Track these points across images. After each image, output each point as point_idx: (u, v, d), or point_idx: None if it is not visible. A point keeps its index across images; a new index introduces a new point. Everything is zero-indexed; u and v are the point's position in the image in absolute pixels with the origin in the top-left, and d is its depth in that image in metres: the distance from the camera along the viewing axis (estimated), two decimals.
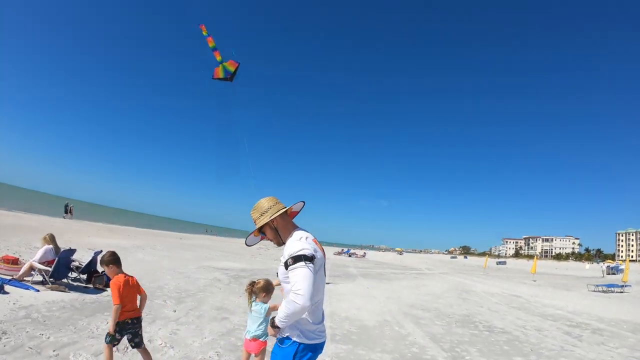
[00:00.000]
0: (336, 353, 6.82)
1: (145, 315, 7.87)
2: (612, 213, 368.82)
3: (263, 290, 4.82)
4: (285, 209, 3.31)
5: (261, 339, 4.65)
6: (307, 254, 2.97)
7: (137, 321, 4.66)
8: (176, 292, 11.08)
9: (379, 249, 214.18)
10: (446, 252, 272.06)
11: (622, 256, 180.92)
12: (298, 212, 3.48)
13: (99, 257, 9.23)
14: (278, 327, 3.01)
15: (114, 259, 4.74)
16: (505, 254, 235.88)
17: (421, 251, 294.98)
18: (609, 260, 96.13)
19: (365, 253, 79.34)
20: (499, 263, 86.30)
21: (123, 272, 4.77)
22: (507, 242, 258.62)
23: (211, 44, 9.73)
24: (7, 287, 8.04)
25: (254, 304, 4.80)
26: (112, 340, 4.41)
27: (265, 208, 3.31)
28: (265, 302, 4.81)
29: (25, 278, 8.93)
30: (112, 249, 4.86)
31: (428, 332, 9.78)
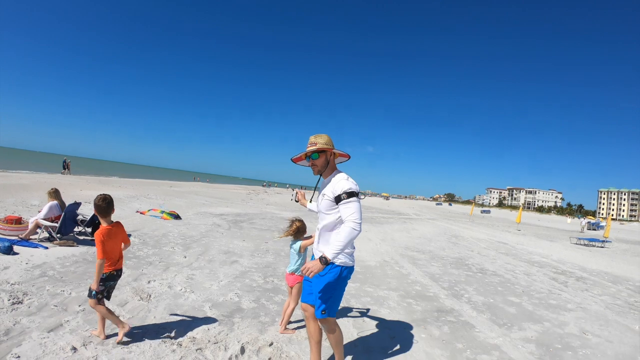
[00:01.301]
0: (346, 290, 7.27)
1: (157, 262, 8.38)
2: (596, 172, 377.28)
3: (300, 230, 5.31)
4: (340, 153, 3.95)
5: (297, 273, 5.21)
6: (357, 190, 3.69)
7: (120, 274, 4.60)
8: (181, 239, 11.33)
9: (365, 194, 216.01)
10: (431, 199, 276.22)
11: (602, 213, 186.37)
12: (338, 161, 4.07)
13: None
14: (327, 262, 3.48)
15: (99, 209, 4.44)
16: (489, 203, 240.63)
17: (407, 197, 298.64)
18: (589, 217, 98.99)
19: None
20: (483, 211, 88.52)
21: (110, 222, 4.49)
22: (491, 191, 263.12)
23: None
24: (15, 248, 7.90)
25: (291, 241, 5.34)
26: (96, 295, 4.37)
27: (331, 142, 3.88)
28: (299, 240, 5.34)
29: (31, 237, 8.85)
30: (103, 194, 4.56)
31: (426, 272, 10.55)
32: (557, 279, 11.42)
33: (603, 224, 53.84)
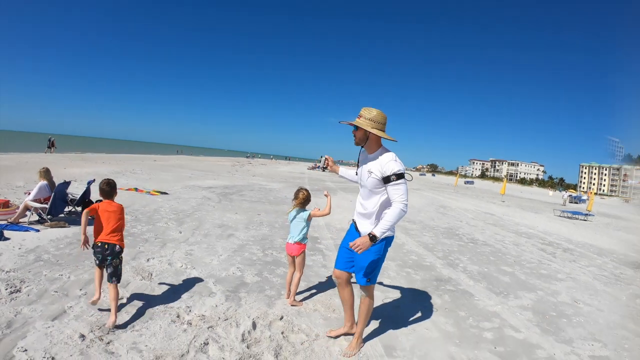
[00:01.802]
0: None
1: (153, 239, 8.26)
2: (578, 146, 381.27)
3: (307, 199, 5.48)
4: (379, 135, 3.95)
5: (303, 242, 5.38)
6: (404, 172, 3.87)
7: (107, 247, 4.57)
8: (173, 214, 11.23)
9: (348, 164, 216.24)
10: (414, 169, 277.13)
11: (583, 187, 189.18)
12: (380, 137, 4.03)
13: (92, 187, 9.73)
14: (375, 240, 3.74)
15: (104, 192, 4.78)
16: (472, 174, 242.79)
17: None
18: (571, 190, 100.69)
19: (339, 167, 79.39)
20: (467, 182, 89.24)
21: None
22: (474, 163, 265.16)
23: None
24: (6, 233, 7.46)
25: (295, 211, 5.46)
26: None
27: (377, 119, 3.96)
28: (306, 210, 5.46)
29: (20, 220, 8.41)
30: (107, 178, 4.89)
31: (420, 241, 10.85)
32: (546, 250, 11.81)
33: (585, 197, 54.92)
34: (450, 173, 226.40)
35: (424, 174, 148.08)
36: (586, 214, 26.09)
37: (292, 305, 5.39)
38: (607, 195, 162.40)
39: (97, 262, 4.61)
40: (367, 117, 3.95)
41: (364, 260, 3.97)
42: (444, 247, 10.43)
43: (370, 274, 4.05)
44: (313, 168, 63.99)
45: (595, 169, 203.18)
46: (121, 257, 4.72)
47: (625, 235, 19.25)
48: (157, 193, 15.02)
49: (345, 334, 4.59)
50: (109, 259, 4.55)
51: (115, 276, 4.57)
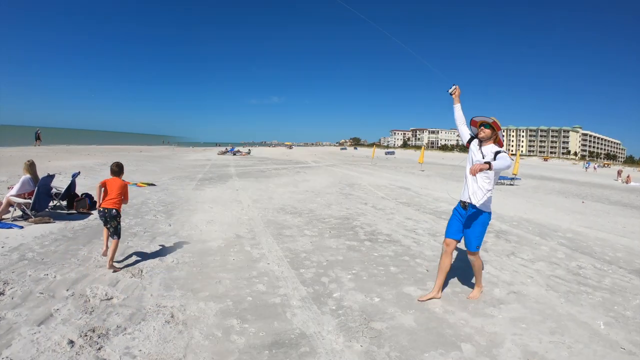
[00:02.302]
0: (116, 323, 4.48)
1: (142, 233, 8.04)
2: (502, 110, 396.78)
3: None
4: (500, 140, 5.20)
5: None
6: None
7: (106, 211, 5.85)
8: (162, 206, 11.05)
9: (270, 145, 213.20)
10: (337, 144, 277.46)
11: (512, 150, 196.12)
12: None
13: (77, 180, 10.21)
14: (490, 166, 4.50)
15: (112, 172, 6.18)
16: (394, 144, 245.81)
17: (313, 144, 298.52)
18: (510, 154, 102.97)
19: (250, 150, 76.69)
20: (387, 153, 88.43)
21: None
22: (395, 133, 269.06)
23: None
24: None
25: None
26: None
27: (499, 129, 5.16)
28: None
29: (3, 216, 8.32)
30: (117, 161, 6.29)
31: (290, 249, 7.42)
32: None
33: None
34: (373, 145, 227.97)
35: (345, 148, 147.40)
36: (512, 178, 24.14)
37: None
38: (526, 155, 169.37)
39: (103, 223, 5.93)
40: (498, 124, 5.05)
41: (477, 230, 5.10)
42: (323, 257, 7.01)
43: (480, 240, 5.19)
44: (223, 153, 62.03)
45: (513, 131, 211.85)
46: (118, 219, 5.98)
47: (560, 202, 17.18)
48: (144, 185, 15.10)
49: (432, 299, 5.25)
50: (109, 221, 5.86)
51: (116, 234, 5.94)
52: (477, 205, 5.00)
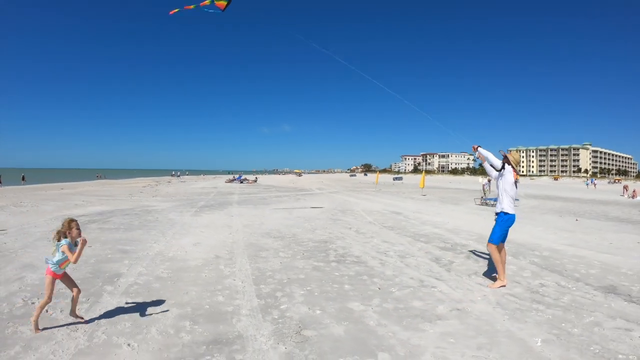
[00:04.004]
0: (112, 311, 5.56)
1: (133, 251, 9.19)
2: (502, 133, 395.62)
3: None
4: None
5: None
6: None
7: None
8: (157, 230, 11.58)
9: (281, 173, 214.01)
10: (348, 171, 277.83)
11: (523, 171, 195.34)
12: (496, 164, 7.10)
13: None
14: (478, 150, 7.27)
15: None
16: (405, 170, 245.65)
17: (324, 171, 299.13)
18: None
19: (257, 178, 77.55)
20: (395, 179, 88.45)
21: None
22: (405, 158, 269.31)
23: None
24: None
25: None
26: None
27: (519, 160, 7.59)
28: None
29: None
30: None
31: (259, 269, 7.96)
32: (441, 260, 8.82)
33: None
34: (384, 171, 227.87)
35: (355, 175, 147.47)
36: None
37: None
38: (536, 175, 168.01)
39: None
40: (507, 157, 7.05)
41: (493, 227, 7.01)
42: (286, 276, 7.48)
43: (492, 235, 6.92)
44: (231, 181, 63.37)
45: (523, 152, 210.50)
46: None
47: (553, 220, 17.01)
48: None
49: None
50: None
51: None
52: (496, 210, 7.15)
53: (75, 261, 4.87)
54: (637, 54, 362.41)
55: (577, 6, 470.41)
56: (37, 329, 4.87)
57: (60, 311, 5.51)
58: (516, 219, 7.13)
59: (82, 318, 5.27)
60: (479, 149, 7.40)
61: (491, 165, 7.23)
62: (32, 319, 4.92)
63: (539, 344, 4.57)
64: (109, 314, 5.44)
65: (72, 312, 5.25)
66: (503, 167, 6.99)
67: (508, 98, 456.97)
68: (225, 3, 9.55)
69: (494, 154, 7.19)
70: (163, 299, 6.11)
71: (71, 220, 5.14)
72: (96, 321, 5.18)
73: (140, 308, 5.66)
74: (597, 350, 4.39)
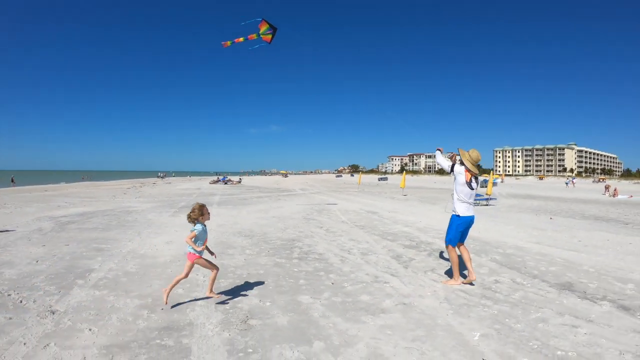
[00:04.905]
0: (80, 301, 5.91)
1: (107, 249, 9.53)
2: (490, 133, 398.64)
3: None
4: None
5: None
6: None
7: None
8: (133, 229, 11.93)
9: (269, 174, 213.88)
10: (335, 172, 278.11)
11: (499, 171, 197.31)
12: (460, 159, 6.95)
13: None
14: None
15: None
16: (392, 170, 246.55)
17: (312, 172, 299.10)
18: (484, 175, 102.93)
19: (240, 179, 77.58)
20: (380, 179, 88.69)
21: None
22: (392, 159, 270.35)
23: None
24: None
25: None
26: None
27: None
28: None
29: None
30: None
31: (222, 264, 8.02)
32: (401, 257, 8.96)
33: (495, 180, 54.32)
34: (371, 171, 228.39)
35: (341, 176, 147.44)
36: (487, 199, 24.10)
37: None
38: (522, 175, 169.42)
39: None
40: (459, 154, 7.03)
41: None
42: (246, 272, 7.76)
43: (446, 235, 7.00)
44: (215, 182, 63.42)
45: (509, 152, 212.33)
46: None
47: (528, 219, 17.19)
48: None
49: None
50: None
51: None
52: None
53: (204, 247, 5.76)
54: (621, 55, 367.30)
55: (560, 9, 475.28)
56: (167, 299, 5.63)
57: (34, 302, 5.88)
58: (491, 218, 7.38)
59: (218, 296, 6.02)
60: (437, 153, 7.80)
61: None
62: (166, 289, 5.70)
63: (476, 338, 4.63)
64: (76, 304, 5.78)
65: (209, 290, 5.96)
66: (452, 169, 7.00)
67: (494, 99, 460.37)
68: (270, 37, 9.98)
69: (461, 152, 7.06)
70: (128, 291, 6.48)
71: (202, 206, 5.82)
72: (64, 310, 5.54)
73: (106, 299, 6.04)
74: (536, 346, 4.41)
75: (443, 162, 7.32)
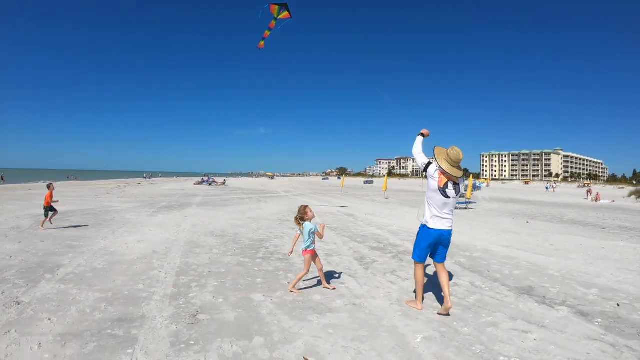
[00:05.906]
0: (45, 294, 6.21)
1: (80, 246, 9.85)
2: (477, 137, 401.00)
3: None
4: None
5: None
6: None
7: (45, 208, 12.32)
8: (109, 228, 12.51)
9: (256, 176, 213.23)
10: (323, 174, 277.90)
11: (486, 175, 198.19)
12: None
13: None
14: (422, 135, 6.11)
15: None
16: (380, 173, 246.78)
17: (299, 175, 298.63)
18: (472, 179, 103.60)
19: (225, 180, 77.43)
20: (366, 182, 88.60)
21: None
22: (380, 162, 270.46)
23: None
24: None
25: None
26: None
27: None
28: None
29: None
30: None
31: (187, 263, 8.49)
32: (365, 259, 9.03)
33: (481, 184, 54.81)
34: (359, 175, 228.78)
35: (327, 179, 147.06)
36: (466, 202, 24.26)
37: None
38: (508, 180, 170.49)
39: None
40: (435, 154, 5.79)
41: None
42: (209, 269, 7.98)
43: (413, 251, 5.90)
44: (199, 183, 63.11)
45: (496, 156, 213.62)
46: (47, 213, 12.46)
47: (504, 223, 17.37)
48: None
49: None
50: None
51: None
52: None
53: (322, 237, 6.60)
54: (610, 62, 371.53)
55: (546, 16, 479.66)
56: (297, 290, 6.37)
57: (2, 293, 6.21)
58: (467, 221, 7.16)
59: (334, 288, 6.57)
60: (416, 140, 6.14)
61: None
62: (291, 286, 6.42)
63: (418, 340, 4.63)
64: (41, 296, 6.08)
65: (324, 285, 6.61)
66: (426, 170, 5.81)
67: (482, 104, 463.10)
68: (287, 12, 10.12)
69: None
70: (91, 285, 6.74)
71: (305, 206, 6.50)
72: (29, 301, 5.86)
73: (69, 292, 6.31)
74: (479, 351, 4.37)
75: (419, 155, 5.97)
